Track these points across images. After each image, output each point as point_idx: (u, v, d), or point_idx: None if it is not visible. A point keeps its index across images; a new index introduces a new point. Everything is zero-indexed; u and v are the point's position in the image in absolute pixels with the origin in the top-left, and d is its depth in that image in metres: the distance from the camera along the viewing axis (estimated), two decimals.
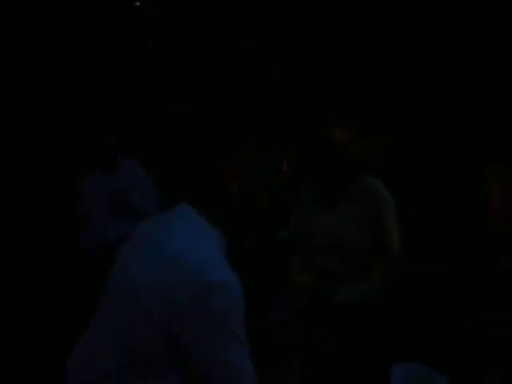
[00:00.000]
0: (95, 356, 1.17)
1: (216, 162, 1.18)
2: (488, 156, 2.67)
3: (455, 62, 3.40)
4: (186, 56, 3.95)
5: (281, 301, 1.65)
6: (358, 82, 3.66)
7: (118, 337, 1.12)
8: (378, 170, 2.02)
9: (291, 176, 2.40)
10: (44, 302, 2.58)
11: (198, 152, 1.20)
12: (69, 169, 3.22)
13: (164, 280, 1.07)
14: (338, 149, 1.69)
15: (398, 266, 1.67)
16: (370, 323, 1.53)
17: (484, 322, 1.57)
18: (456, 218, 2.36)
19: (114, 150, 2.61)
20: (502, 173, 2.22)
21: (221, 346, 1.06)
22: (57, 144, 3.41)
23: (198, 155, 1.20)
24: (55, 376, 1.27)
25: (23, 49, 3.45)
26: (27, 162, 3.33)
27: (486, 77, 3.24)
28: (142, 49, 3.91)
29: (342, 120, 1.72)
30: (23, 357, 2.23)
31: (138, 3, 3.69)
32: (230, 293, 1.06)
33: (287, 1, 3.95)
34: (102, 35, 3.59)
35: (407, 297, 1.75)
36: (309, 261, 1.85)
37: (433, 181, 2.98)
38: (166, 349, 1.07)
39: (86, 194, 2.65)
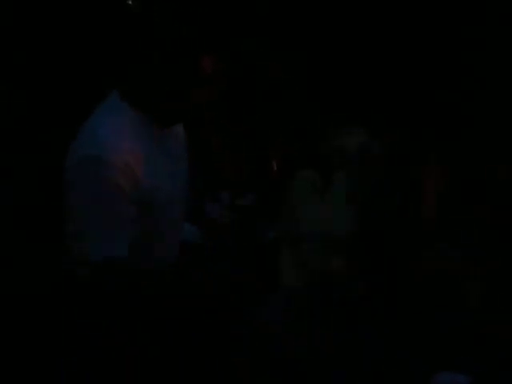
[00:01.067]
0: None
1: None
2: (487, 156, 2.67)
3: (455, 61, 3.40)
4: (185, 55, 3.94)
5: (273, 301, 1.66)
6: (357, 82, 3.65)
7: None
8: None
9: (282, 175, 2.39)
10: (43, 301, 2.57)
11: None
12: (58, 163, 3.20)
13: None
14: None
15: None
16: (371, 323, 1.53)
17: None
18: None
19: None
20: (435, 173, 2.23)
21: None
22: (57, 144, 3.40)
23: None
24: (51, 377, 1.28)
25: (23, 49, 3.44)
26: (27, 162, 3.32)
27: (485, 77, 3.24)
28: (140, 48, 3.89)
29: (342, 119, 1.73)
30: (22, 357, 2.22)
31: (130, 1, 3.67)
32: (99, 169, 1.13)
33: (287, 1, 3.95)
34: (99, 34, 3.58)
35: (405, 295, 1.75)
36: (297, 259, 1.85)
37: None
38: None
39: None
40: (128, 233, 1.18)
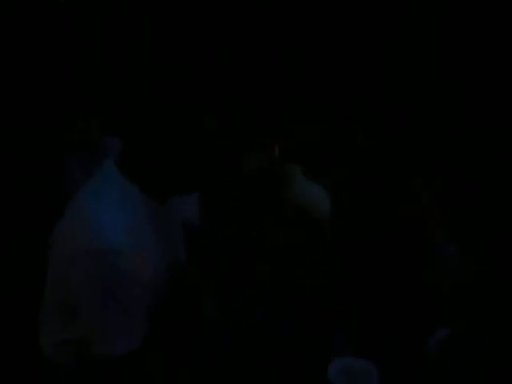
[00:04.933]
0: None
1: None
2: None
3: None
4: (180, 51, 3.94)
5: None
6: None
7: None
8: None
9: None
10: (28, 291, 2.55)
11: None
12: (54, 156, 3.18)
13: (64, 240, 1.11)
14: None
15: None
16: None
17: None
18: None
19: (100, 137, 2.59)
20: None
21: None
22: (40, 132, 3.39)
23: None
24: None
25: None
26: (9, 151, 3.29)
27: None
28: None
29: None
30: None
31: None
32: (113, 261, 1.06)
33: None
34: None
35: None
36: None
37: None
38: None
39: (73, 171, 2.62)
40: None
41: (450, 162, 3.06)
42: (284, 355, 1.35)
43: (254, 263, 1.69)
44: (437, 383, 1.32)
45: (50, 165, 2.74)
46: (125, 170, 1.17)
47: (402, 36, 3.75)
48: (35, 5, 3.62)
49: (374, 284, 1.61)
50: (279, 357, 1.35)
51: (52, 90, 3.52)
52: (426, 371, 1.34)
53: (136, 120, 1.18)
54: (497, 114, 3.46)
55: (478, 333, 1.38)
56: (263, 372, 1.32)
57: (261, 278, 1.63)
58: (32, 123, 3.43)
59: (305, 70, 3.86)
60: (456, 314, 1.49)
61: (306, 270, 1.71)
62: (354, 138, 3.19)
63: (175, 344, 1.20)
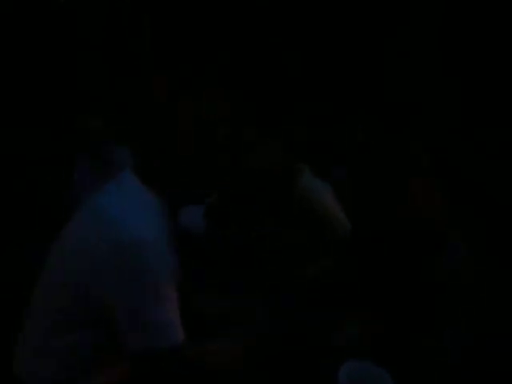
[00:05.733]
0: (27, 335, 1.20)
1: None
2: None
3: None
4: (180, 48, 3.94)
5: None
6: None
7: (42, 303, 1.14)
8: None
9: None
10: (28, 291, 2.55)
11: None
12: (54, 157, 3.19)
13: (84, 241, 1.07)
14: None
15: None
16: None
17: None
18: None
19: (100, 136, 2.59)
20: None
21: (140, 306, 1.04)
22: (40, 132, 3.39)
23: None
24: None
25: None
26: (9, 151, 3.30)
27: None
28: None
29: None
30: None
31: None
32: (147, 252, 1.03)
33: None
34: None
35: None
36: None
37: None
38: (82, 307, 1.07)
39: (75, 181, 2.64)
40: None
41: (450, 162, 3.06)
42: (289, 357, 1.35)
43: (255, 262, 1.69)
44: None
45: (60, 164, 2.74)
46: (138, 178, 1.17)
47: (402, 36, 3.75)
48: (35, 5, 3.62)
49: (383, 284, 1.61)
50: (285, 358, 1.34)
51: (52, 90, 3.52)
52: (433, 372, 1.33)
53: (142, 124, 1.18)
54: (497, 113, 3.46)
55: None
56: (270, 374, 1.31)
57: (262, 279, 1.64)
58: (32, 123, 3.43)
59: (305, 69, 3.86)
60: (456, 314, 1.49)
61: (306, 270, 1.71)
62: (354, 137, 3.19)
63: None
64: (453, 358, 1.35)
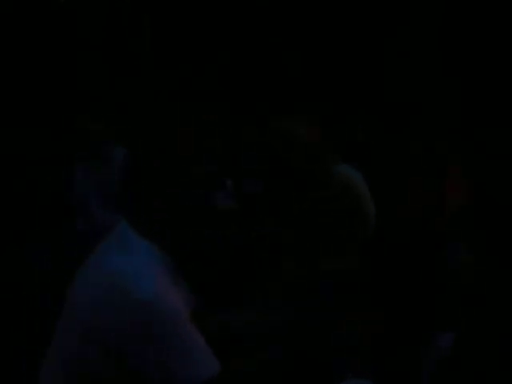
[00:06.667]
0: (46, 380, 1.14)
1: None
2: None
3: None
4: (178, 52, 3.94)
5: None
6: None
7: (61, 362, 1.09)
8: None
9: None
10: (27, 292, 2.55)
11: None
12: (54, 158, 3.19)
13: (100, 303, 1.04)
14: None
15: None
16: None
17: None
18: None
19: (100, 136, 2.59)
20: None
21: (166, 355, 1.02)
22: (40, 132, 3.39)
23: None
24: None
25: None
26: (9, 151, 3.30)
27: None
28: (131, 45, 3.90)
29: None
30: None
31: None
32: (159, 308, 1.02)
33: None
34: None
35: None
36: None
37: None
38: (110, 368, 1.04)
39: (76, 181, 2.64)
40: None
41: (450, 162, 3.06)
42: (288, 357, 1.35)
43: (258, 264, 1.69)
44: None
45: (60, 164, 2.75)
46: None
47: (402, 36, 3.75)
48: (35, 5, 3.62)
49: (383, 284, 1.61)
50: (285, 358, 1.34)
51: (52, 90, 3.52)
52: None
53: (140, 125, 1.17)
54: (497, 113, 3.46)
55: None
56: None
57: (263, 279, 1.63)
58: (32, 123, 3.43)
59: (305, 69, 3.86)
60: (457, 315, 1.49)
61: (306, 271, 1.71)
62: (353, 137, 3.19)
63: None
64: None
